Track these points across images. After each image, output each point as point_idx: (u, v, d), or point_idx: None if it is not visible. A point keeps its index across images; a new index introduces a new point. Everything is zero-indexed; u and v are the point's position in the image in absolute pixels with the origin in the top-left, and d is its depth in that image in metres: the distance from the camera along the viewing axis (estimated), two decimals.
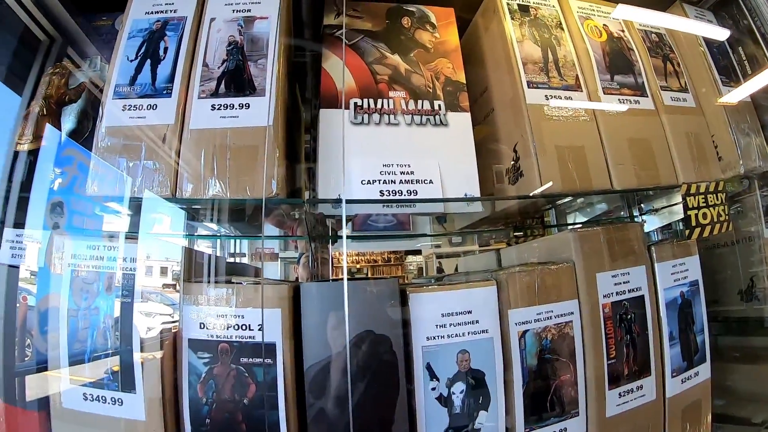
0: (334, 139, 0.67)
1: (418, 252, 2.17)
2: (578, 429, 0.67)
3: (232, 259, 1.09)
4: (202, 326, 0.61)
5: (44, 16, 0.90)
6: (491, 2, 0.81)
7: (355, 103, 0.71)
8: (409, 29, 0.77)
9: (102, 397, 0.61)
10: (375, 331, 0.61)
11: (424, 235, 1.16)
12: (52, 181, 0.84)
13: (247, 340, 0.60)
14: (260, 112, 0.65)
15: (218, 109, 0.65)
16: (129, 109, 0.67)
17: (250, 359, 0.60)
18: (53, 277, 0.67)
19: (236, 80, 0.67)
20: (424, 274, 2.05)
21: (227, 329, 0.60)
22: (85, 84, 0.78)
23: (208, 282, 0.64)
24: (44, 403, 0.65)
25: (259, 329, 0.59)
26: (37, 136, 0.75)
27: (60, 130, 0.77)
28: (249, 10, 0.71)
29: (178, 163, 0.64)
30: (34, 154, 0.78)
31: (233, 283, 0.62)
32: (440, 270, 1.82)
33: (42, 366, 0.71)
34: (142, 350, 0.61)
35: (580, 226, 1.01)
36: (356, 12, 0.77)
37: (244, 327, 0.60)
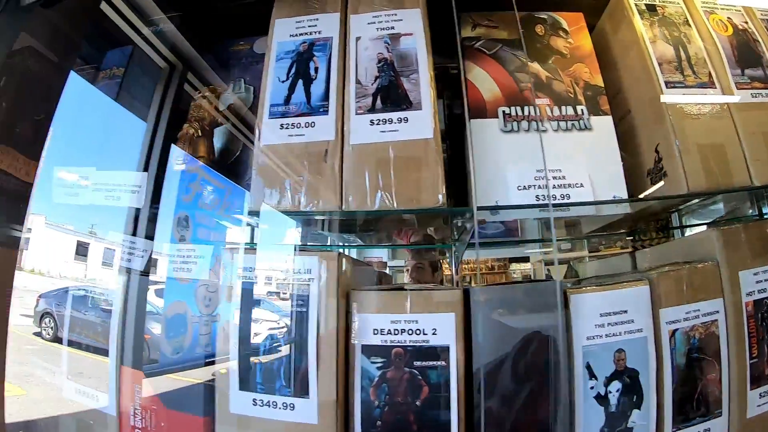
0: (487, 147, 0.69)
1: (524, 260, 2.14)
2: (721, 430, 0.66)
3: None
4: (376, 332, 0.63)
5: (164, 44, 0.96)
6: (618, 4, 0.82)
7: (504, 112, 0.73)
8: (544, 36, 0.79)
9: (273, 402, 0.64)
10: (541, 332, 0.63)
11: (563, 239, 1.16)
12: (177, 196, 0.89)
13: (421, 344, 0.62)
14: (419, 125, 0.67)
15: (377, 123, 0.68)
16: (287, 128, 0.70)
17: (424, 362, 0.62)
18: (221, 287, 0.71)
19: (392, 95, 0.70)
20: None
21: (401, 334, 0.62)
22: (233, 106, 0.82)
23: (380, 290, 0.67)
24: (209, 409, 0.68)
25: (433, 333, 0.62)
26: (195, 157, 0.80)
27: (214, 150, 0.82)
28: (393, 28, 0.74)
29: (341, 177, 0.67)
30: None
31: (405, 290, 0.65)
32: (549, 277, 1.79)
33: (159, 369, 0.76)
34: (317, 357, 0.63)
35: (717, 224, 0.99)
36: (491, 22, 0.79)
37: (417, 332, 0.62)
